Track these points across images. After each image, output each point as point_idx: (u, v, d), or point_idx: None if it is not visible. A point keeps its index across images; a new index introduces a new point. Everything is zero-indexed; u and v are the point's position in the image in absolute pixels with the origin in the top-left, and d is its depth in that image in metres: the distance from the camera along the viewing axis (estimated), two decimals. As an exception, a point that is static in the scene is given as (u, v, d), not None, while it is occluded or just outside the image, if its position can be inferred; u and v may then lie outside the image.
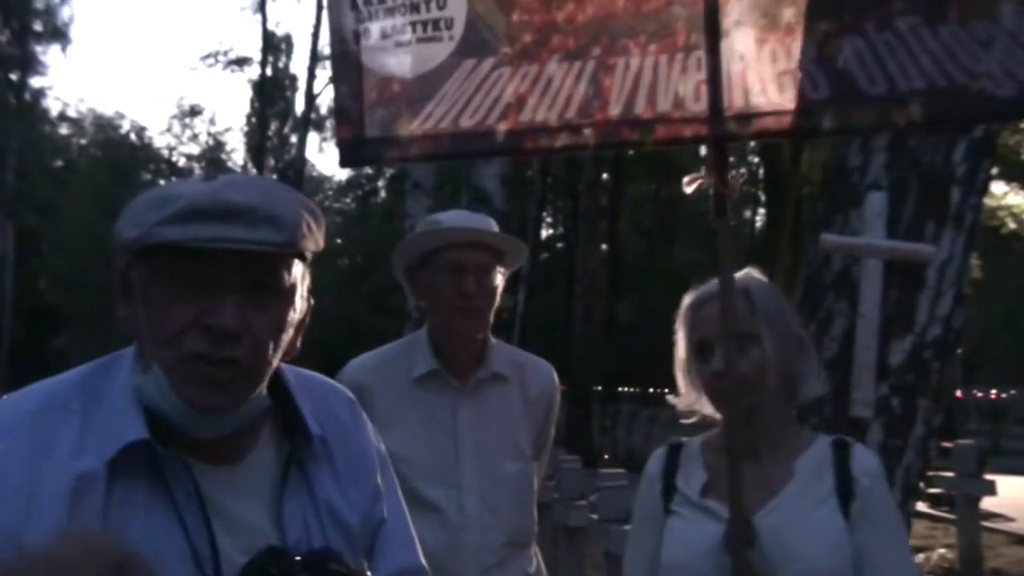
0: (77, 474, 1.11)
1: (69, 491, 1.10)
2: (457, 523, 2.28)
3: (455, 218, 2.40)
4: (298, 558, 1.14)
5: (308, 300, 1.26)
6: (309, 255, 1.22)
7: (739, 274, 1.87)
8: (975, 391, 27.81)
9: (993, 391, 27.57)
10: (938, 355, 3.40)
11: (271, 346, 1.18)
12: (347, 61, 1.83)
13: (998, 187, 22.41)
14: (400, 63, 1.81)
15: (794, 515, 1.76)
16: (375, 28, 1.81)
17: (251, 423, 1.22)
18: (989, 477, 8.39)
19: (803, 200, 23.19)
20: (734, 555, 1.69)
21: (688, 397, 1.91)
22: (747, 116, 1.69)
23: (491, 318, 2.37)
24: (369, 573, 1.17)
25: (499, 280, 2.35)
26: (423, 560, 1.41)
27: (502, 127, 1.78)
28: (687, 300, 1.89)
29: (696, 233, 35.66)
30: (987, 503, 8.81)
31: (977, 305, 21.17)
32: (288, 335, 1.21)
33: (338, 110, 1.85)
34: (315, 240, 1.20)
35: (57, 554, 0.95)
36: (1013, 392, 27.95)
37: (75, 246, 31.00)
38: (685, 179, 1.76)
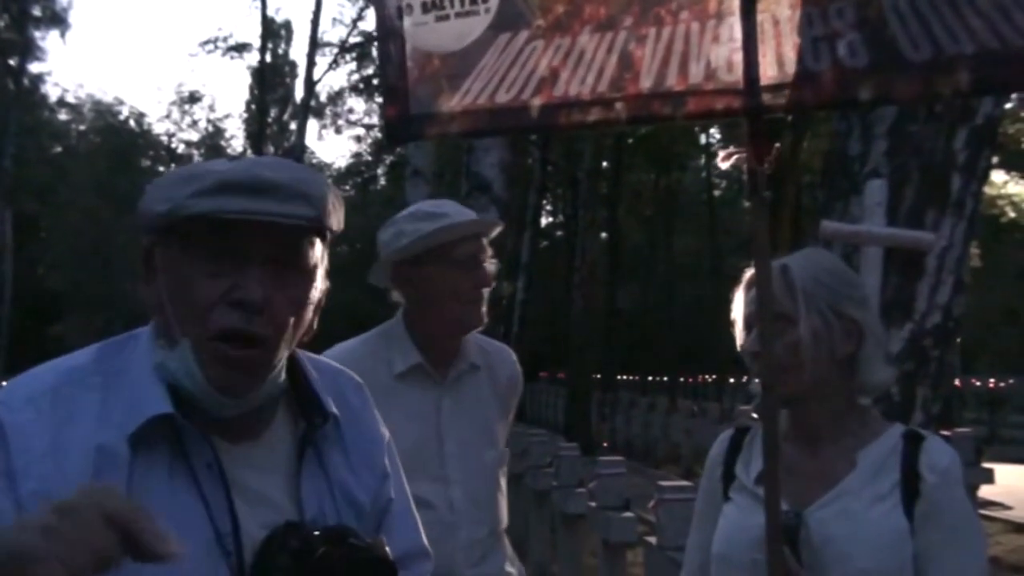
0: (100, 446, 1.13)
1: (93, 463, 1.12)
2: (448, 519, 2.26)
3: (458, 211, 2.36)
4: (317, 533, 1.15)
5: (326, 280, 1.28)
6: (329, 235, 1.24)
7: (804, 250, 1.78)
8: (973, 379, 27.84)
9: (991, 380, 27.57)
10: (937, 343, 3.41)
11: (291, 324, 1.19)
12: (392, 38, 1.81)
13: (998, 176, 22.43)
14: (440, 38, 1.77)
15: (848, 511, 1.63)
16: (417, 3, 1.79)
17: (269, 402, 1.24)
18: (987, 465, 8.42)
19: (803, 188, 23.19)
20: (768, 551, 1.56)
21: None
22: (781, 86, 1.59)
23: None
24: (388, 548, 1.18)
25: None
26: (427, 543, 1.42)
27: (536, 102, 1.72)
28: (744, 277, 1.78)
29: (695, 222, 35.68)
30: (985, 491, 8.84)
31: (976, 294, 21.17)
32: (308, 314, 1.23)
33: (385, 89, 1.83)
34: (338, 219, 1.23)
35: (70, 505, 0.90)
36: (1011, 381, 27.98)
37: (74, 232, 30.97)
38: (720, 154, 1.67)
